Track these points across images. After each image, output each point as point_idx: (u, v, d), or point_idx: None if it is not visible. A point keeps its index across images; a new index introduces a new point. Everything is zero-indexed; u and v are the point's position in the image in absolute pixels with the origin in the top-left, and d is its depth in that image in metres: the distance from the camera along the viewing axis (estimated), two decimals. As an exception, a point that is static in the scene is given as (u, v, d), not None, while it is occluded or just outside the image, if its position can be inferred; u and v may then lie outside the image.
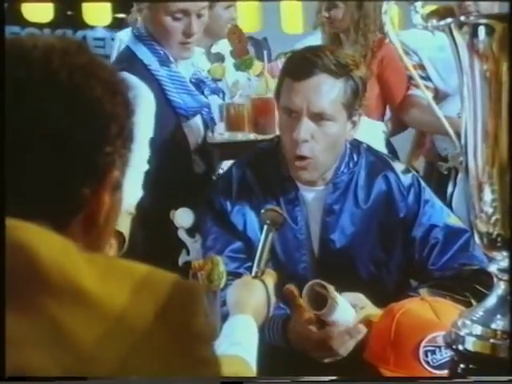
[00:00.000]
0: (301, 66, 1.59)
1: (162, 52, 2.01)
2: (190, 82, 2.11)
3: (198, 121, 2.13)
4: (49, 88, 0.74)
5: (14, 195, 0.73)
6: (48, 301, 0.66)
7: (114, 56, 2.65)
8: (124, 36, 2.73)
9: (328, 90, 1.57)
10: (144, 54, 2.01)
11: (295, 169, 1.63)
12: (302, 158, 1.60)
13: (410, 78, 2.56)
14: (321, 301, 1.41)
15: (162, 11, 1.97)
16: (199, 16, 1.99)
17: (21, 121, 0.73)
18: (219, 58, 2.36)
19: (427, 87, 2.44)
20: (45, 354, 0.65)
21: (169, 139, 2.01)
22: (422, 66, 2.56)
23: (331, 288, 1.41)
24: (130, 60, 1.99)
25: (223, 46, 2.56)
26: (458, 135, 1.08)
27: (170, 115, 2.00)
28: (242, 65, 2.17)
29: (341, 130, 1.62)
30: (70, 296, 0.67)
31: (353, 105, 1.61)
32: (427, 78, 2.56)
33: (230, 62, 2.34)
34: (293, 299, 1.47)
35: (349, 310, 1.45)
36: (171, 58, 2.03)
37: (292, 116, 1.59)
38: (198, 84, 2.14)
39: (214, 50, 2.59)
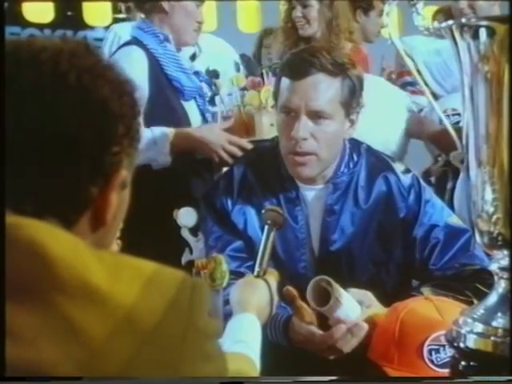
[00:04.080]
0: (298, 65, 1.60)
1: (160, 35, 2.22)
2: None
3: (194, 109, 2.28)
4: (57, 89, 0.75)
5: (24, 194, 0.74)
6: (58, 297, 0.67)
7: (108, 47, 2.79)
8: (120, 30, 2.80)
9: (325, 89, 1.59)
10: (145, 37, 2.22)
11: (294, 165, 1.64)
12: (302, 154, 1.61)
13: (406, 84, 2.56)
14: (324, 297, 1.41)
15: None
16: None
17: (30, 121, 0.74)
18: (214, 74, 2.42)
19: (423, 92, 2.45)
20: (56, 349, 0.66)
21: (170, 114, 2.19)
22: (417, 71, 2.56)
23: (336, 286, 1.42)
24: (132, 43, 2.23)
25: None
26: (460, 135, 1.09)
27: (168, 89, 2.19)
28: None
29: (339, 129, 1.63)
30: (80, 292, 0.68)
31: (350, 103, 1.62)
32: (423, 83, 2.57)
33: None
34: (293, 301, 1.48)
35: (354, 307, 1.45)
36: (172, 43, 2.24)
37: (290, 115, 1.61)
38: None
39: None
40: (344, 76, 1.60)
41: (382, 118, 2.19)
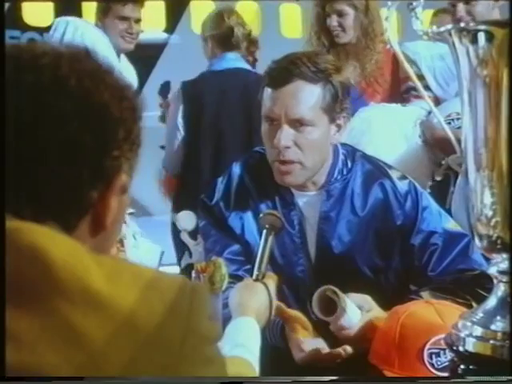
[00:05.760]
0: (278, 74, 1.60)
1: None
2: None
3: None
4: (58, 93, 0.75)
5: (24, 198, 0.74)
6: (58, 301, 0.68)
7: (67, 36, 2.77)
8: (80, 24, 2.86)
9: (305, 96, 1.58)
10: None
11: (279, 173, 1.63)
12: (286, 162, 1.60)
13: (410, 89, 2.58)
14: (329, 306, 1.41)
15: None
16: None
17: (30, 125, 0.74)
18: None
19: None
20: (56, 353, 0.66)
21: None
22: (420, 76, 2.58)
23: (342, 295, 1.41)
24: None
25: None
26: (459, 140, 1.09)
27: None
28: None
29: (323, 135, 1.62)
30: (80, 297, 0.68)
31: (333, 109, 1.61)
32: (426, 88, 2.58)
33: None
34: (282, 314, 1.48)
35: (356, 314, 1.45)
36: None
37: (273, 124, 1.60)
38: None
39: None
40: (325, 82, 1.59)
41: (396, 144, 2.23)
